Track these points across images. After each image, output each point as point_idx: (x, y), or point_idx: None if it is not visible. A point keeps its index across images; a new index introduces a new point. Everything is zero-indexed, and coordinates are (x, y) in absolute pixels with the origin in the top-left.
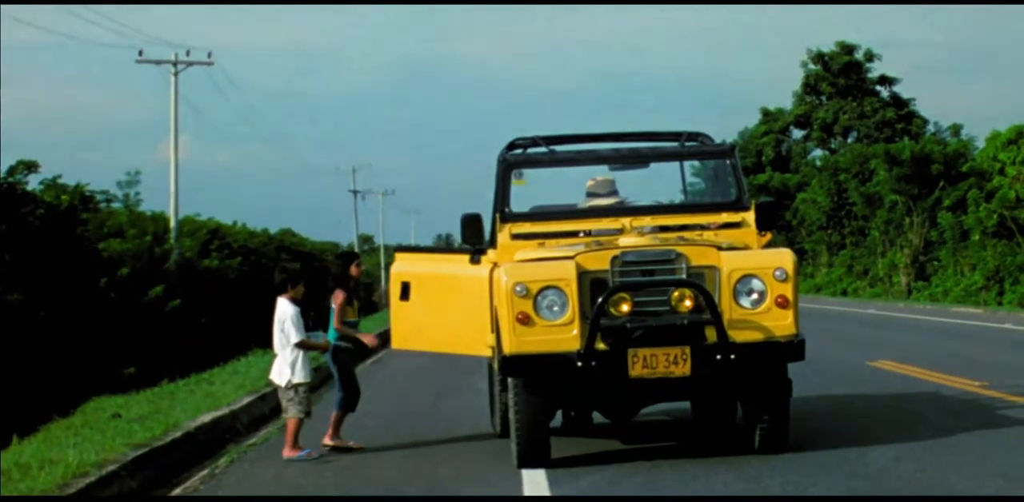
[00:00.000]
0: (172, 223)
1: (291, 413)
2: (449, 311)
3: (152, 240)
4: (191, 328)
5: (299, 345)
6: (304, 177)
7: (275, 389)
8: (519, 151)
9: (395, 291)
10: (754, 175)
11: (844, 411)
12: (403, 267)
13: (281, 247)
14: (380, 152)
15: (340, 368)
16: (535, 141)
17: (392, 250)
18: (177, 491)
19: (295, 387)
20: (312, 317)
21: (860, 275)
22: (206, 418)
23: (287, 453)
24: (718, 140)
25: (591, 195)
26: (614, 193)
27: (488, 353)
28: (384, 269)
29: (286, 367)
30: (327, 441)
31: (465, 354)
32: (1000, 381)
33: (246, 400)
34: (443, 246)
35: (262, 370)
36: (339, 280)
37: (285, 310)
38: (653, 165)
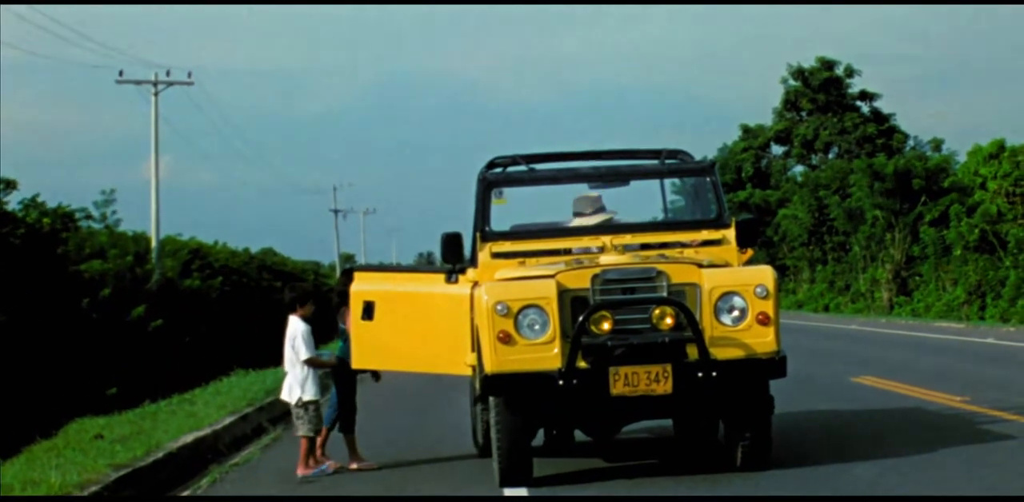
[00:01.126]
0: (153, 243)
1: (302, 431)
2: (422, 330)
3: (133, 260)
4: (173, 348)
5: (308, 362)
6: (285, 196)
7: (261, 408)
8: (499, 170)
9: (356, 310)
10: (734, 192)
11: (827, 427)
12: (365, 286)
13: (262, 266)
14: (362, 171)
15: (340, 384)
16: (515, 159)
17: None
18: None
19: (305, 405)
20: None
21: (842, 291)
22: (188, 439)
23: (301, 471)
24: (698, 157)
25: (577, 214)
26: (600, 210)
27: (463, 371)
28: None
29: (296, 385)
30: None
31: (438, 373)
32: (983, 396)
33: (228, 420)
34: (401, 265)
35: (244, 390)
36: (346, 297)
37: (296, 327)
38: (633, 183)
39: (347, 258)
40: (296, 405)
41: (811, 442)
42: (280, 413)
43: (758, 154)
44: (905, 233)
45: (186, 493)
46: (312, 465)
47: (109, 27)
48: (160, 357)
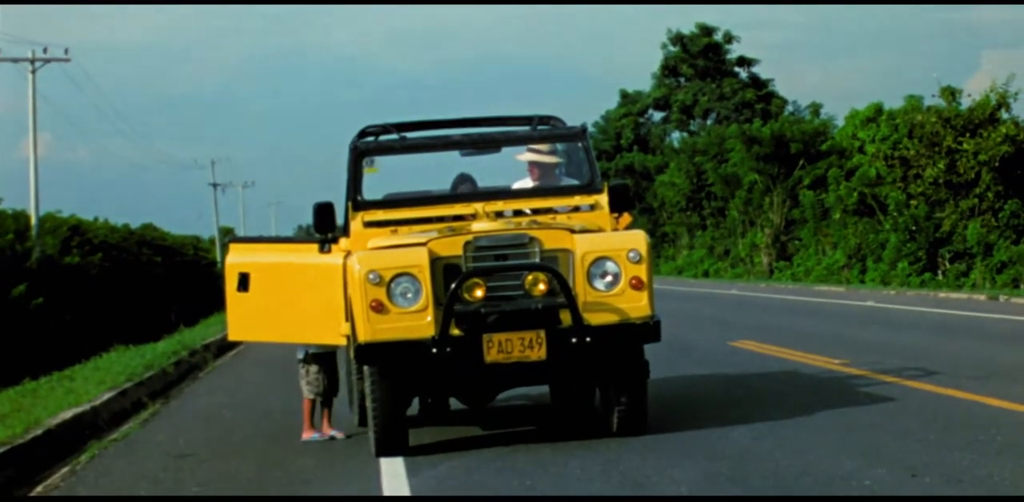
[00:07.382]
0: (33, 221)
1: (303, 393)
2: (297, 300)
3: (13, 238)
4: (55, 326)
5: None
6: (165, 171)
7: (140, 384)
8: (370, 139)
9: (231, 282)
10: (617, 156)
11: (704, 392)
12: (239, 258)
13: (143, 241)
14: (240, 145)
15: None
16: (386, 128)
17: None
18: (39, 489)
19: (302, 365)
20: (175, 311)
21: (721, 256)
22: (67, 415)
23: (305, 435)
24: (578, 124)
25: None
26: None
27: (338, 341)
28: None
29: (299, 347)
30: None
31: (314, 343)
32: (861, 358)
33: (107, 396)
34: (279, 236)
35: (123, 366)
36: None
37: None
38: (505, 149)
39: (227, 231)
40: (299, 366)
41: (688, 407)
42: (160, 387)
43: (637, 120)
44: (784, 197)
45: (65, 470)
46: (310, 429)
47: None
48: (41, 335)
